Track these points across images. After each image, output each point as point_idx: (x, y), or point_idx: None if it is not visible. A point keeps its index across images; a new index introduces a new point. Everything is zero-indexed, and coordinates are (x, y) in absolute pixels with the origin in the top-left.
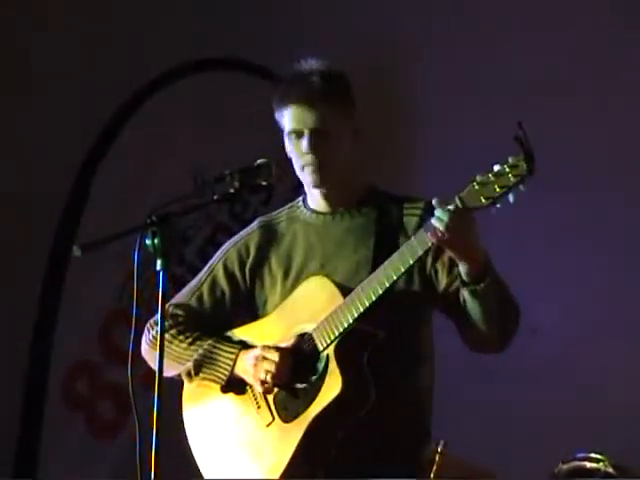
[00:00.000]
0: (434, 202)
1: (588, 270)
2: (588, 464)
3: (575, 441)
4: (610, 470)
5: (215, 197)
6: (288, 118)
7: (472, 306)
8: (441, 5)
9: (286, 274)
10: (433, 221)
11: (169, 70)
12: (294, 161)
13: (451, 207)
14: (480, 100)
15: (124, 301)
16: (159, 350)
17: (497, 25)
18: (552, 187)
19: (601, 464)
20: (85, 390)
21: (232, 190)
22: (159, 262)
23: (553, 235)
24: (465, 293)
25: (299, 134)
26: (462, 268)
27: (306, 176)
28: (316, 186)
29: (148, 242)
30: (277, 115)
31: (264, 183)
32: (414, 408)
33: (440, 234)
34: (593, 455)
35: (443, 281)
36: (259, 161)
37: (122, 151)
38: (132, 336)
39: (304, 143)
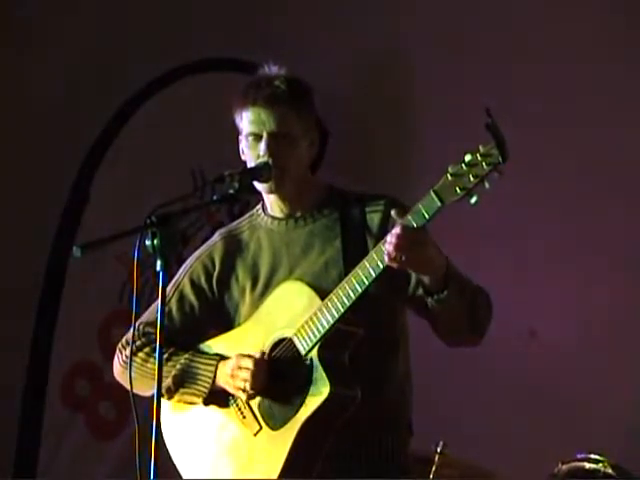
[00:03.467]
0: (393, 214)
1: (587, 272)
2: (587, 465)
3: (575, 441)
4: (609, 471)
5: (215, 197)
6: (247, 120)
7: (439, 312)
8: (441, 6)
9: (254, 282)
10: (386, 244)
11: (168, 71)
12: (248, 165)
13: (398, 229)
14: (480, 100)
15: (124, 301)
16: (158, 348)
17: (497, 26)
18: (552, 188)
19: (600, 465)
20: (85, 390)
21: (231, 191)
22: (159, 262)
23: (553, 237)
24: (430, 301)
25: (257, 137)
26: (424, 280)
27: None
28: (271, 192)
29: (148, 242)
30: (236, 117)
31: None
32: (395, 401)
33: (392, 257)
34: (593, 456)
35: (412, 276)
36: (258, 162)
37: (122, 152)
38: (132, 336)
39: (262, 146)
